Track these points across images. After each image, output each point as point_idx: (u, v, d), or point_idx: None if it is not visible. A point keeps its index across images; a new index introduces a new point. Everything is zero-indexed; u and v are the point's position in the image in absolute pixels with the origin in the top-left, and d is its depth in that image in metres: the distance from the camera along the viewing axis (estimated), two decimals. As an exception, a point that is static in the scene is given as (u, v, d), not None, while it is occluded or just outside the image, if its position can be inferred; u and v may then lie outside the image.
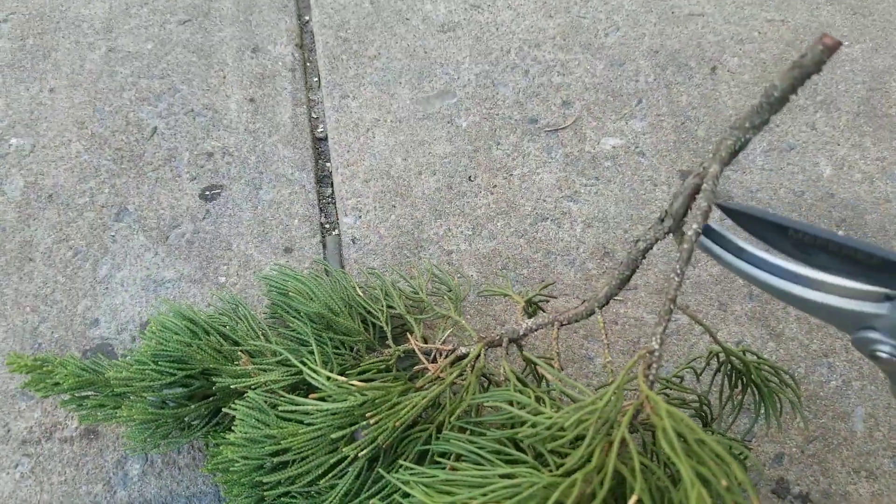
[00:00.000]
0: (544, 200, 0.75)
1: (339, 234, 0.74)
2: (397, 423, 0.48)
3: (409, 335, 0.57)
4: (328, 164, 0.79)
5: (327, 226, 0.75)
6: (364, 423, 0.48)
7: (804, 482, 0.61)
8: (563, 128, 0.80)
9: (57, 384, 0.56)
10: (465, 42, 0.86)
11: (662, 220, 0.45)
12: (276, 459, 0.51)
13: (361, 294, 0.60)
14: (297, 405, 0.50)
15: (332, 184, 0.77)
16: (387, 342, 0.59)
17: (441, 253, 0.72)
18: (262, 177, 0.77)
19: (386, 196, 0.75)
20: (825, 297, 0.39)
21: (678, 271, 0.44)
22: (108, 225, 0.74)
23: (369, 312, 0.60)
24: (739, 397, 0.56)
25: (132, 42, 0.86)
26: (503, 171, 0.77)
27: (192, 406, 0.56)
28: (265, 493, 0.52)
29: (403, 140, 0.79)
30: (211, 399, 0.57)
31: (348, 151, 0.78)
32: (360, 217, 0.74)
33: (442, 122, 0.80)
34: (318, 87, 0.84)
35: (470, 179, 0.76)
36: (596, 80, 0.83)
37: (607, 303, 0.50)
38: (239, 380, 0.54)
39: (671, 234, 0.45)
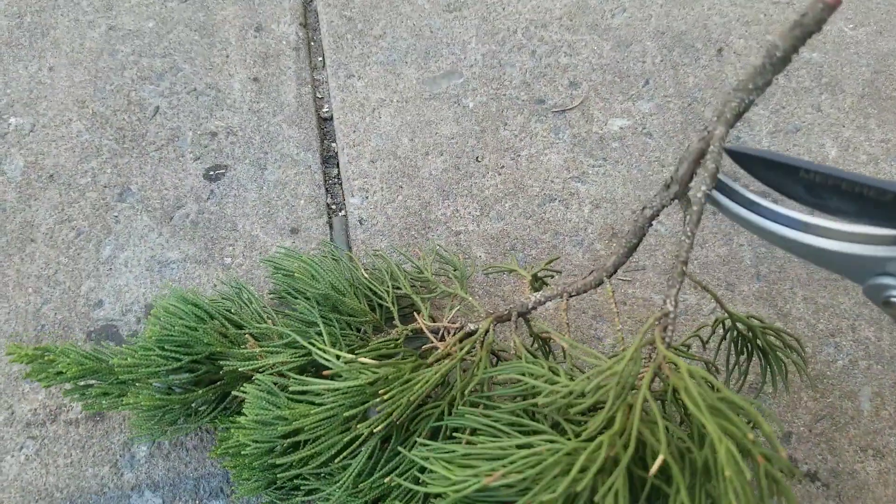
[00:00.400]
0: (552, 181, 0.74)
1: (345, 215, 0.73)
2: (411, 398, 0.48)
3: (416, 315, 0.56)
4: (334, 145, 0.78)
5: (333, 206, 0.74)
6: (377, 400, 0.48)
7: (812, 461, 0.62)
8: (570, 108, 0.79)
9: (60, 373, 0.55)
10: (471, 22, 0.85)
11: (668, 186, 0.45)
12: (287, 441, 0.50)
13: (367, 275, 0.60)
14: (307, 385, 0.49)
15: (338, 164, 0.76)
16: (394, 322, 0.58)
17: (449, 234, 0.71)
18: (267, 157, 0.76)
19: (393, 177, 0.75)
20: (838, 244, 0.39)
21: (688, 233, 0.44)
22: (110, 205, 0.73)
23: (375, 293, 0.60)
24: (745, 364, 0.56)
25: (133, 20, 0.84)
26: (511, 152, 0.76)
27: (199, 391, 0.55)
28: (277, 476, 0.52)
29: (410, 120, 0.78)
30: (218, 383, 0.56)
31: (354, 132, 0.78)
32: (366, 198, 0.73)
33: (449, 103, 0.79)
34: (323, 66, 0.83)
35: (477, 160, 0.76)
36: (603, 60, 0.83)
37: (615, 272, 0.50)
38: (246, 362, 0.54)
39: (677, 200, 0.45)
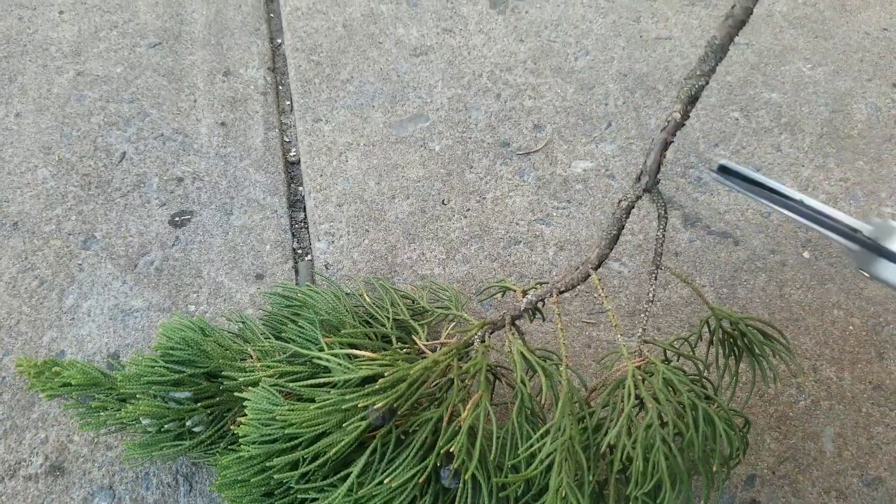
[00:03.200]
0: (517, 223, 0.75)
1: (311, 260, 0.73)
2: (411, 379, 0.47)
3: (413, 337, 0.57)
4: (301, 189, 0.78)
5: (300, 251, 0.74)
6: (375, 387, 0.47)
7: None
8: (534, 151, 0.80)
9: (66, 384, 0.57)
10: (437, 66, 0.86)
11: (639, 178, 0.47)
12: (287, 444, 0.49)
13: (369, 301, 0.61)
14: (306, 388, 0.50)
15: (304, 208, 0.77)
16: (392, 346, 0.58)
17: (415, 277, 0.72)
18: (234, 202, 0.76)
19: (359, 220, 0.75)
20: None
21: (661, 228, 0.46)
22: (74, 253, 0.73)
23: (375, 320, 0.60)
24: (735, 364, 0.57)
25: (101, 66, 0.85)
26: (476, 195, 0.77)
27: (198, 406, 0.56)
28: (275, 490, 0.51)
29: (377, 164, 0.79)
30: (217, 401, 0.56)
31: (321, 175, 0.78)
32: (333, 242, 0.74)
33: (415, 146, 0.80)
34: (291, 110, 0.84)
35: (443, 203, 0.76)
36: (566, 103, 0.84)
37: (600, 265, 0.51)
38: (246, 374, 0.54)
39: (648, 193, 0.47)
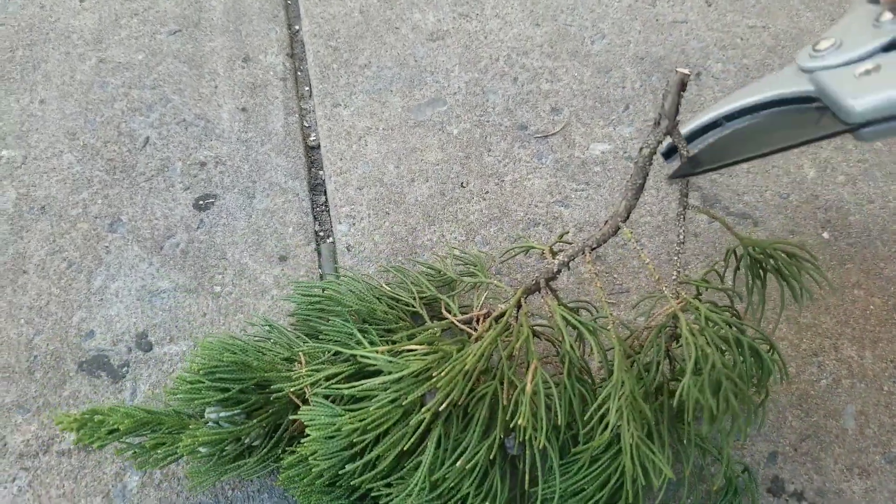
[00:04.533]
0: (536, 205, 0.76)
1: (333, 242, 0.74)
2: (466, 370, 0.48)
3: (445, 312, 0.57)
4: (321, 173, 0.79)
5: (321, 234, 0.75)
6: (433, 381, 0.48)
7: (798, 480, 0.62)
8: (552, 134, 0.81)
9: (113, 431, 0.55)
10: (454, 50, 0.87)
11: (658, 123, 0.47)
12: (353, 451, 0.50)
13: (388, 288, 0.61)
14: (361, 388, 0.50)
15: (325, 192, 0.78)
16: (423, 322, 0.59)
17: (436, 259, 0.72)
18: (256, 186, 0.77)
19: (379, 203, 0.76)
20: None
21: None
22: (101, 236, 0.74)
23: (400, 302, 0.60)
24: (762, 289, 0.57)
25: (122, 53, 0.86)
26: (495, 178, 0.78)
27: (253, 422, 0.56)
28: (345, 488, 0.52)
29: (396, 147, 0.80)
30: (270, 412, 0.57)
31: (341, 159, 0.79)
32: (354, 224, 0.75)
33: (433, 130, 0.81)
34: (310, 96, 0.84)
35: (462, 186, 0.77)
36: (584, 86, 0.84)
37: (628, 216, 0.51)
38: (295, 382, 0.54)
39: (670, 136, 0.47)
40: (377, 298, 0.60)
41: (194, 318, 0.69)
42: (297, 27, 0.89)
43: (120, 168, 0.78)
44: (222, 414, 0.55)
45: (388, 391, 0.49)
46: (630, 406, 0.45)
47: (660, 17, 0.90)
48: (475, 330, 0.55)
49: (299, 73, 0.86)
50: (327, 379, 0.54)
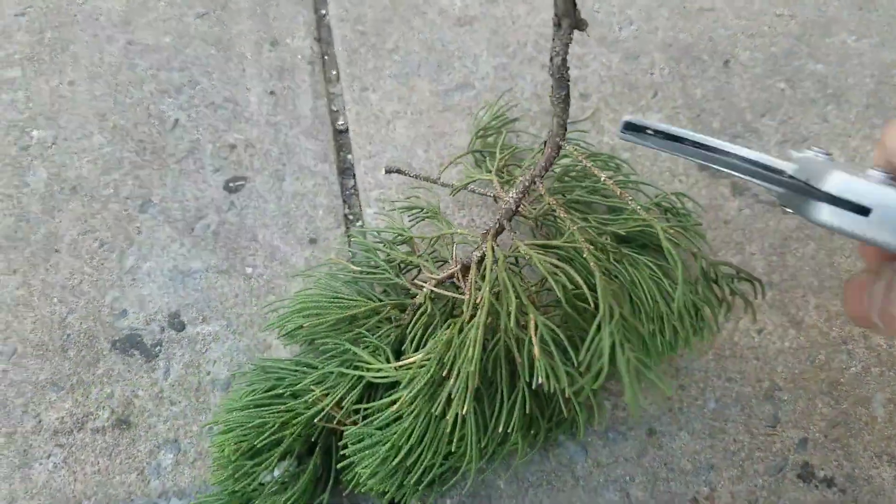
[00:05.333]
0: (565, 191, 0.76)
1: (363, 225, 0.74)
2: (470, 356, 0.49)
3: (424, 273, 0.58)
4: (350, 156, 0.79)
5: (351, 217, 0.76)
6: (449, 386, 0.49)
7: (828, 467, 0.63)
8: (581, 120, 0.81)
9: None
10: (482, 35, 0.87)
11: (559, 25, 0.44)
12: (402, 455, 0.52)
13: (357, 268, 0.61)
14: (381, 408, 0.51)
15: (354, 175, 0.78)
16: (410, 292, 0.60)
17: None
18: (285, 168, 0.77)
19: (408, 187, 0.76)
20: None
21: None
22: (133, 216, 0.74)
23: (377, 278, 0.61)
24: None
25: (151, 35, 0.86)
26: (522, 162, 0.78)
27: (308, 464, 0.57)
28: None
29: (424, 132, 0.80)
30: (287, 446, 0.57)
31: (370, 143, 0.79)
32: (383, 208, 0.75)
33: (462, 115, 0.81)
34: (338, 79, 0.84)
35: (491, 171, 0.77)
36: (612, 73, 0.84)
37: (565, 131, 0.51)
38: (313, 409, 0.55)
39: (577, 30, 0.45)
40: (356, 289, 0.60)
41: (226, 299, 0.70)
42: (323, 11, 0.89)
43: (150, 149, 0.78)
44: (276, 472, 0.56)
45: (414, 404, 0.50)
46: (620, 330, 0.46)
47: (687, 5, 0.90)
48: (459, 285, 0.55)
49: (326, 57, 0.86)
50: (339, 402, 0.55)
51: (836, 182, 0.38)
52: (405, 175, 0.64)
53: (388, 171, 0.63)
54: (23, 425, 0.64)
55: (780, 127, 0.81)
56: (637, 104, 0.82)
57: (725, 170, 0.44)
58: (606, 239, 0.57)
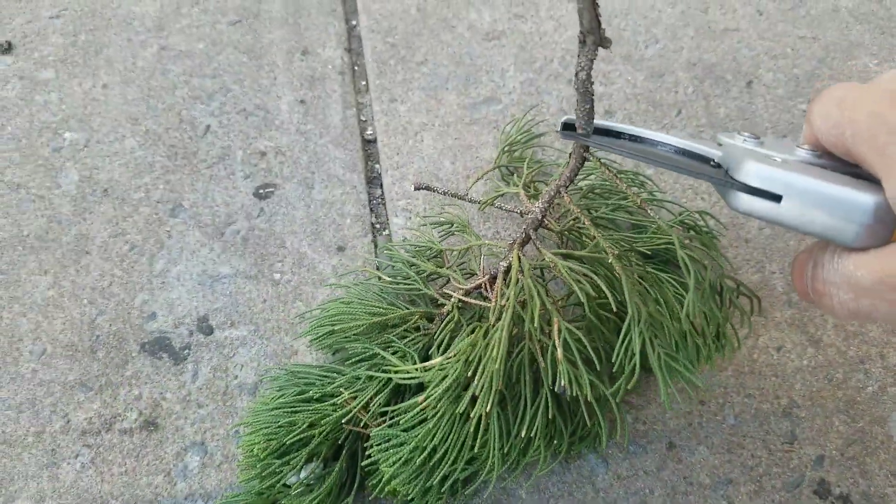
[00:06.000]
0: (589, 206, 0.77)
1: (389, 234, 0.76)
2: (495, 357, 0.50)
3: (453, 283, 0.59)
4: (377, 166, 0.81)
5: (378, 226, 0.77)
6: (472, 388, 0.50)
7: (844, 484, 0.63)
8: (605, 136, 0.82)
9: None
10: (509, 50, 0.88)
11: (584, 42, 0.45)
12: (425, 455, 0.53)
13: (388, 279, 0.62)
14: (407, 409, 0.53)
15: (381, 185, 0.79)
16: (439, 302, 0.61)
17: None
18: (314, 177, 0.78)
19: (435, 198, 0.77)
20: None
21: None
22: (163, 220, 0.75)
23: (407, 289, 0.62)
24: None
25: (184, 41, 0.87)
26: (549, 177, 0.79)
27: (334, 466, 0.58)
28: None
29: (451, 144, 0.81)
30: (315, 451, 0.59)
31: (397, 154, 0.80)
32: (410, 218, 0.76)
33: (488, 128, 0.82)
34: (367, 90, 0.86)
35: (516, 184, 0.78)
36: (637, 90, 0.85)
37: (588, 135, 0.51)
38: (343, 412, 0.56)
39: (605, 48, 0.46)
40: (386, 299, 0.61)
41: (254, 304, 0.71)
42: (354, 22, 0.91)
43: (181, 154, 0.79)
44: (302, 474, 0.57)
45: (439, 405, 0.51)
46: (650, 328, 0.47)
47: (712, 25, 0.91)
48: (486, 295, 0.57)
49: (356, 68, 0.88)
50: (366, 405, 0.56)
51: (749, 171, 0.39)
52: (433, 191, 0.65)
53: (417, 188, 0.64)
54: (51, 425, 0.65)
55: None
56: (661, 122, 0.83)
57: (659, 164, 0.45)
58: (631, 255, 0.58)
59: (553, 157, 0.80)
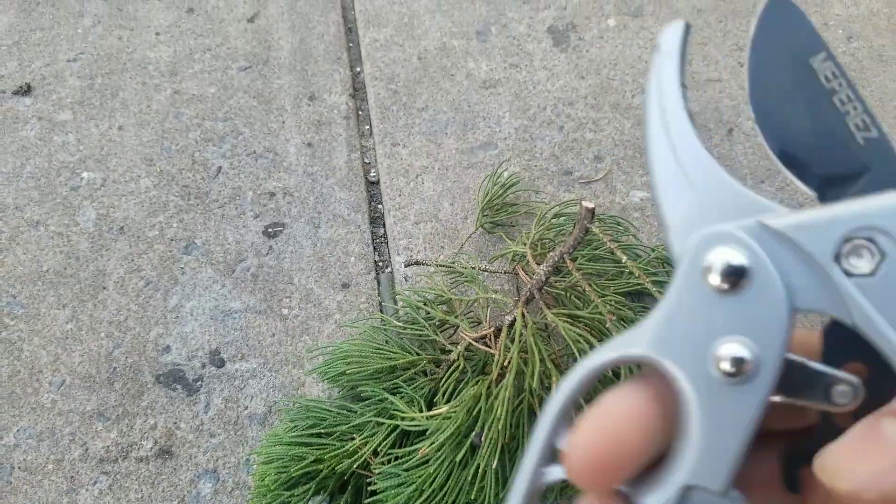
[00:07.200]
0: (580, 247, 0.82)
1: (391, 272, 0.80)
2: (500, 417, 0.53)
3: (461, 333, 0.63)
4: (380, 207, 0.85)
5: (381, 264, 0.81)
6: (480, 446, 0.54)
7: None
8: (595, 180, 0.87)
9: None
10: (505, 98, 0.93)
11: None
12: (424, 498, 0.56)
13: (399, 325, 0.66)
14: (417, 456, 0.56)
15: (384, 225, 0.83)
16: (446, 349, 0.65)
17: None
18: (321, 216, 0.83)
19: (435, 238, 0.82)
20: None
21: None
22: (177, 257, 0.79)
23: (416, 335, 0.66)
24: None
25: (196, 85, 0.92)
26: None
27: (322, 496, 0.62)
28: None
29: (450, 186, 0.86)
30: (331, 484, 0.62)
31: (399, 195, 0.85)
32: (411, 257, 0.80)
33: (485, 171, 0.87)
34: (370, 134, 0.91)
35: (512, 225, 0.83)
36: (624, 137, 0.91)
37: (593, 217, 0.57)
38: (352, 458, 0.59)
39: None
40: (398, 343, 0.65)
41: (264, 338, 0.74)
42: (358, 69, 0.96)
43: (194, 194, 0.84)
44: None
45: (440, 451, 0.55)
46: None
47: (696, 75, 0.97)
48: (490, 345, 0.61)
49: (360, 113, 0.92)
50: (376, 450, 0.59)
51: None
52: (425, 265, 0.70)
53: (408, 265, 0.68)
54: (70, 453, 0.68)
55: (777, 193, 0.87)
56: (647, 167, 0.88)
57: None
58: (625, 309, 0.62)
59: (545, 197, 0.85)
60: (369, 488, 0.60)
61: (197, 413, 0.70)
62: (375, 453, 0.60)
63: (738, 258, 0.24)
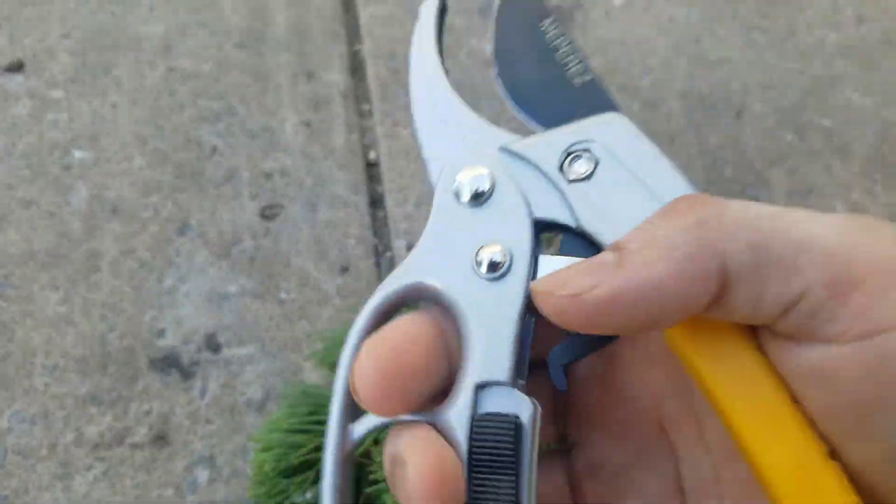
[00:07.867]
0: (585, 231, 0.80)
1: (392, 256, 0.78)
2: None
3: None
4: (380, 188, 0.83)
5: (381, 247, 0.79)
6: None
7: None
8: (600, 163, 0.85)
9: None
10: (508, 77, 0.91)
11: None
12: None
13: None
14: None
15: (384, 207, 0.81)
16: None
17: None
18: (319, 198, 0.81)
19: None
20: None
21: None
22: (171, 238, 0.77)
23: None
24: None
25: (190, 62, 0.90)
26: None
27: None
28: None
29: (452, 168, 0.84)
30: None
31: (400, 177, 0.83)
32: (412, 240, 0.78)
33: (488, 153, 0.85)
34: (370, 114, 0.88)
35: (515, 208, 0.81)
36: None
37: None
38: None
39: None
40: None
41: (261, 322, 0.73)
42: (357, 46, 0.93)
43: (189, 174, 0.82)
44: (308, 494, 0.59)
45: None
46: None
47: (704, 55, 0.95)
48: None
49: (359, 92, 0.90)
50: (376, 438, 0.58)
51: None
52: None
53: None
54: (64, 437, 0.67)
55: (786, 178, 0.85)
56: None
57: None
58: None
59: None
60: (370, 477, 0.59)
61: (193, 399, 0.69)
62: (376, 441, 0.59)
63: (481, 175, 0.30)
